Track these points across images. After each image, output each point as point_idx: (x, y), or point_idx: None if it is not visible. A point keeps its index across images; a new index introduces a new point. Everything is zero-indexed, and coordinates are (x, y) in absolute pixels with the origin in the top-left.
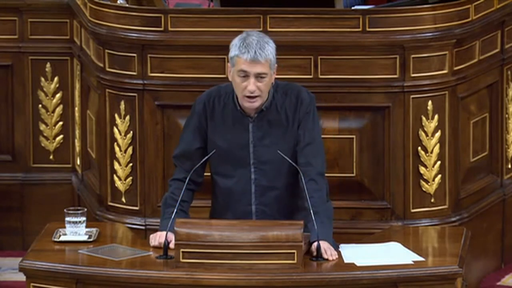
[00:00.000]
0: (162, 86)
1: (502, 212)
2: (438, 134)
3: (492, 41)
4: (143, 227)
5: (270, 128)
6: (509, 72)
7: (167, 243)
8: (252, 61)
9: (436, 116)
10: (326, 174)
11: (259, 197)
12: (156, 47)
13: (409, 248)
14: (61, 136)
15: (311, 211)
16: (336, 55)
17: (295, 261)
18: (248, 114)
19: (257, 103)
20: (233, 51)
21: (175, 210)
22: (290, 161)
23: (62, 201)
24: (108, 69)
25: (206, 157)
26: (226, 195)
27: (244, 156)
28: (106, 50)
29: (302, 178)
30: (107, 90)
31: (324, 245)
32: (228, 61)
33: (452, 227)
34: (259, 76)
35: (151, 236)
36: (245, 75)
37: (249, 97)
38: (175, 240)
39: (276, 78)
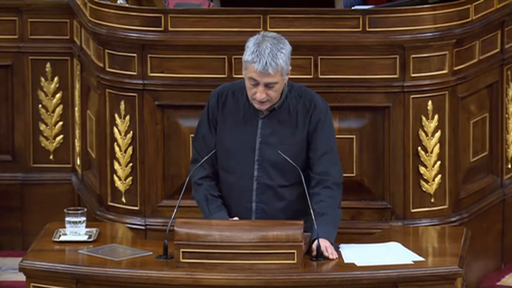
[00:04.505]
0: (162, 86)
1: (502, 212)
2: (438, 134)
3: (492, 41)
4: (143, 227)
5: (279, 127)
6: (509, 72)
7: (167, 243)
8: (262, 73)
9: (436, 116)
10: None
11: (259, 194)
12: (156, 47)
13: (409, 248)
14: (61, 136)
15: (317, 212)
16: (336, 55)
17: (295, 261)
18: (260, 110)
19: (265, 106)
20: (246, 55)
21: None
22: (290, 161)
23: (62, 201)
24: (108, 69)
25: (207, 157)
26: (229, 190)
27: (249, 152)
28: (106, 50)
29: (314, 184)
30: (107, 90)
31: (326, 243)
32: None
33: (452, 227)
34: (268, 85)
35: None
36: (255, 83)
37: (259, 101)
38: (175, 240)
39: None
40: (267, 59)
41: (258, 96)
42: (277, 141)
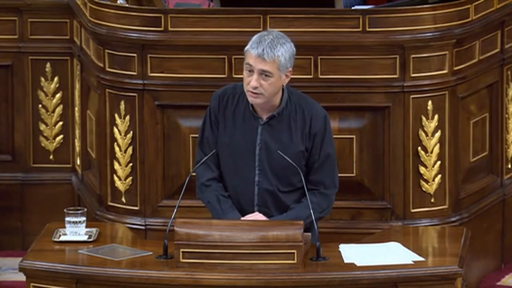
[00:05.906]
0: (162, 86)
1: (502, 212)
2: (438, 134)
3: (492, 41)
4: (143, 227)
5: (278, 134)
6: (509, 72)
7: (167, 243)
8: (258, 57)
9: (436, 116)
10: None
11: (261, 199)
12: (156, 47)
13: (409, 248)
14: (61, 136)
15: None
16: (336, 55)
17: (295, 261)
18: (260, 116)
19: (259, 100)
20: (248, 45)
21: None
22: (290, 161)
23: (62, 201)
24: (108, 69)
25: (205, 158)
26: (232, 193)
27: (250, 157)
28: (106, 50)
29: (305, 188)
30: (107, 90)
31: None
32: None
33: (452, 227)
34: (263, 74)
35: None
36: (251, 69)
37: (252, 92)
38: (175, 240)
39: None
40: (265, 47)
41: (252, 83)
42: (276, 147)
